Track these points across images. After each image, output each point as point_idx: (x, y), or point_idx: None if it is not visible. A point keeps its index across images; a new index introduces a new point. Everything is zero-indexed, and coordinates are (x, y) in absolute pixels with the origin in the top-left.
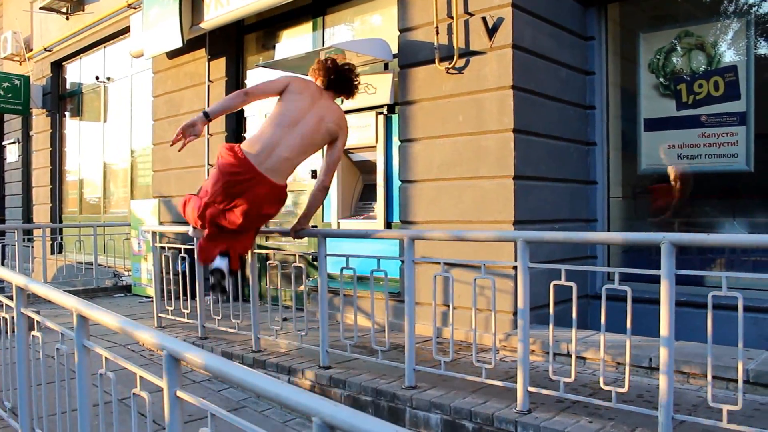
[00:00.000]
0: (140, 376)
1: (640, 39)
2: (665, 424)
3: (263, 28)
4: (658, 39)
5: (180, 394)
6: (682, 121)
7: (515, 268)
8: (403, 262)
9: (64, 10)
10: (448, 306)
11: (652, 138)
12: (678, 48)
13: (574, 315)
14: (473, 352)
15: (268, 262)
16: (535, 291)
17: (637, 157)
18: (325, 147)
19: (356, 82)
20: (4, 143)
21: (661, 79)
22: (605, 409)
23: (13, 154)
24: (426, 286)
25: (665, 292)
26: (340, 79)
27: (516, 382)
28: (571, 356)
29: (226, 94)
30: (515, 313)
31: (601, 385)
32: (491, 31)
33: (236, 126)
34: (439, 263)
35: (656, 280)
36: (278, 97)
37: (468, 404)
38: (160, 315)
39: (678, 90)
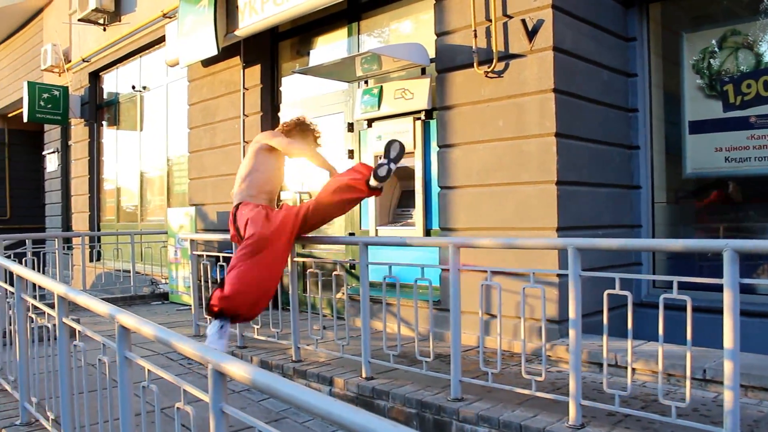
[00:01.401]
0: (184, 390)
1: (683, 39)
2: None
3: (298, 35)
4: (702, 38)
5: (226, 409)
6: (730, 122)
7: (560, 276)
8: (444, 270)
9: (101, 21)
10: (490, 315)
11: (697, 141)
12: (724, 47)
13: (629, 325)
14: (522, 363)
15: (307, 270)
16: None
17: (682, 160)
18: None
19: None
20: (44, 153)
21: (707, 80)
22: (659, 423)
23: (52, 163)
24: (467, 294)
25: (729, 301)
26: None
27: (564, 395)
28: (619, 367)
29: (261, 102)
30: (560, 322)
31: (659, 398)
32: (531, 34)
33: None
34: (486, 271)
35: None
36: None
37: (517, 417)
38: (198, 323)
39: (725, 91)
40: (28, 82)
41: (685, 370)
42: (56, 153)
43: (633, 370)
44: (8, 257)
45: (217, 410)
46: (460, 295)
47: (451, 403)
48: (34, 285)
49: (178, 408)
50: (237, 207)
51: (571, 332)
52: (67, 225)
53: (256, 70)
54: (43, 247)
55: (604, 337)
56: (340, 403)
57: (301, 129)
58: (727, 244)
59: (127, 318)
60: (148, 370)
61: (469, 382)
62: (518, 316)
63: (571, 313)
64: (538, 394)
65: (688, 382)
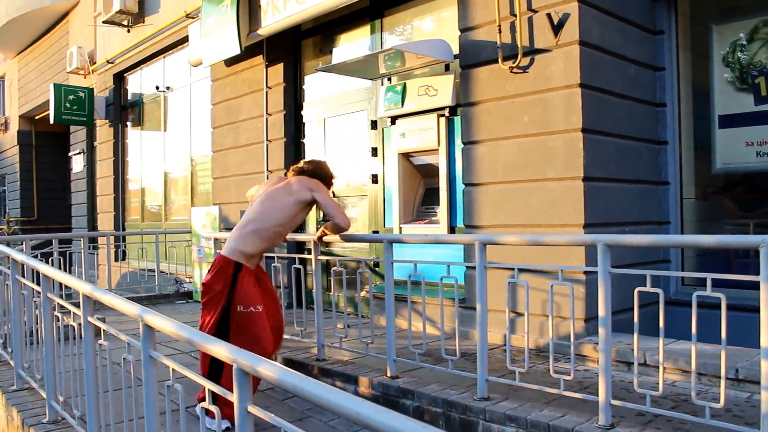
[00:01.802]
0: (209, 390)
1: (712, 31)
2: None
3: (320, 33)
4: (733, 30)
5: (252, 409)
6: (761, 116)
7: (587, 273)
8: (468, 268)
9: (125, 23)
10: (515, 313)
11: (727, 135)
12: (755, 39)
13: (661, 324)
14: (550, 361)
15: (332, 269)
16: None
17: (712, 155)
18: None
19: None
20: (70, 154)
21: (737, 73)
22: (691, 424)
23: (78, 164)
24: (492, 292)
25: (766, 297)
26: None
27: (593, 394)
28: (647, 366)
29: (284, 100)
30: (587, 320)
31: (692, 398)
32: (557, 28)
33: (295, 131)
34: (512, 269)
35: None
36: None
37: (545, 417)
38: None
39: (756, 84)
40: (55, 84)
41: (714, 370)
42: (82, 154)
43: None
44: (35, 257)
45: (243, 410)
46: (479, 294)
47: (478, 402)
48: (61, 285)
49: (203, 407)
50: (235, 265)
51: (601, 330)
52: (93, 225)
53: (278, 69)
54: (69, 247)
55: (635, 336)
56: (368, 404)
57: (326, 176)
58: (764, 239)
59: (152, 317)
60: (173, 369)
61: (495, 381)
62: (544, 314)
63: (601, 311)
64: (567, 393)
65: (723, 382)
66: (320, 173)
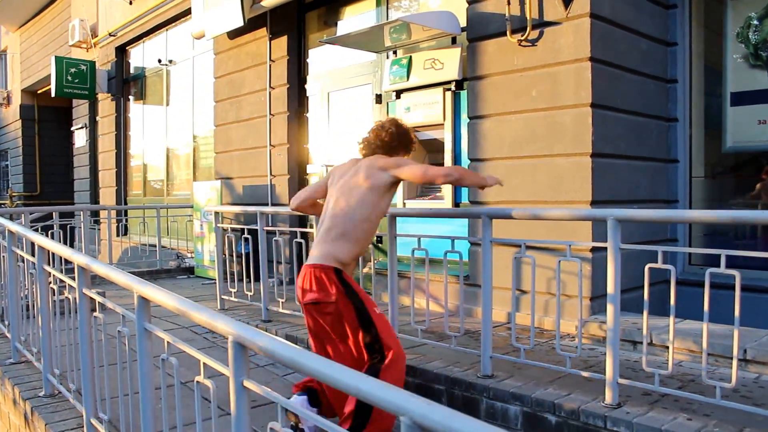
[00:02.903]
0: (204, 363)
1: (727, 6)
2: None
3: (325, 4)
4: (748, 5)
5: (247, 384)
6: None
7: (593, 250)
8: (473, 244)
9: None
10: (520, 290)
11: (739, 113)
12: None
13: (672, 301)
14: (557, 339)
15: None
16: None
17: (722, 133)
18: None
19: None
20: (73, 128)
21: (751, 49)
22: (698, 404)
23: (81, 139)
24: (497, 269)
25: None
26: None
27: (598, 372)
28: (653, 345)
29: (288, 74)
30: (591, 299)
31: (703, 378)
32: (567, 0)
33: (298, 105)
34: (519, 245)
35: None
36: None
37: (550, 396)
38: (223, 297)
39: None
40: (56, 56)
41: (722, 350)
42: (84, 128)
43: (667, 348)
44: (36, 230)
45: (238, 384)
46: (484, 270)
47: (482, 380)
48: (61, 259)
49: (198, 382)
50: (335, 270)
51: (609, 308)
52: (95, 200)
53: (282, 42)
54: (70, 221)
55: (645, 313)
56: (370, 380)
57: (407, 144)
58: None
59: (146, 288)
60: (168, 342)
61: (499, 359)
62: (549, 292)
63: (610, 288)
64: (573, 371)
65: (734, 362)
66: (399, 143)
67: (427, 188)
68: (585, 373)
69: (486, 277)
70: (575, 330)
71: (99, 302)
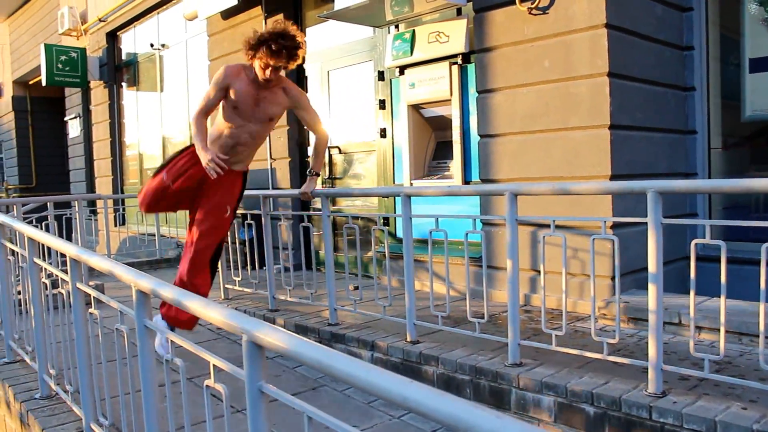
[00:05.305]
0: (214, 365)
1: None
2: None
3: None
4: None
5: (265, 389)
6: None
7: (613, 226)
8: (487, 224)
9: None
10: (536, 271)
11: (758, 80)
12: None
13: (723, 279)
14: (592, 324)
15: (345, 227)
16: (633, 253)
17: (741, 102)
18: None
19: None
20: (66, 118)
21: None
22: (742, 389)
23: (75, 129)
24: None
25: None
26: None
27: (632, 358)
28: (681, 326)
29: None
30: (613, 278)
31: (761, 363)
32: None
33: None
34: (548, 223)
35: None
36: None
37: (587, 385)
38: (226, 287)
39: None
40: (45, 44)
41: (756, 329)
42: (78, 118)
43: (699, 328)
44: (30, 222)
45: (255, 390)
46: (500, 251)
47: (510, 368)
48: (58, 253)
49: (207, 386)
50: None
51: (651, 287)
52: (92, 191)
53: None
54: (66, 212)
55: (692, 293)
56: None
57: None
58: None
59: (147, 282)
60: (171, 340)
61: (527, 345)
62: (569, 273)
63: (651, 266)
64: (611, 358)
65: (761, 339)
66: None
67: (434, 167)
68: (626, 360)
69: (512, 258)
70: (598, 311)
71: (93, 297)
